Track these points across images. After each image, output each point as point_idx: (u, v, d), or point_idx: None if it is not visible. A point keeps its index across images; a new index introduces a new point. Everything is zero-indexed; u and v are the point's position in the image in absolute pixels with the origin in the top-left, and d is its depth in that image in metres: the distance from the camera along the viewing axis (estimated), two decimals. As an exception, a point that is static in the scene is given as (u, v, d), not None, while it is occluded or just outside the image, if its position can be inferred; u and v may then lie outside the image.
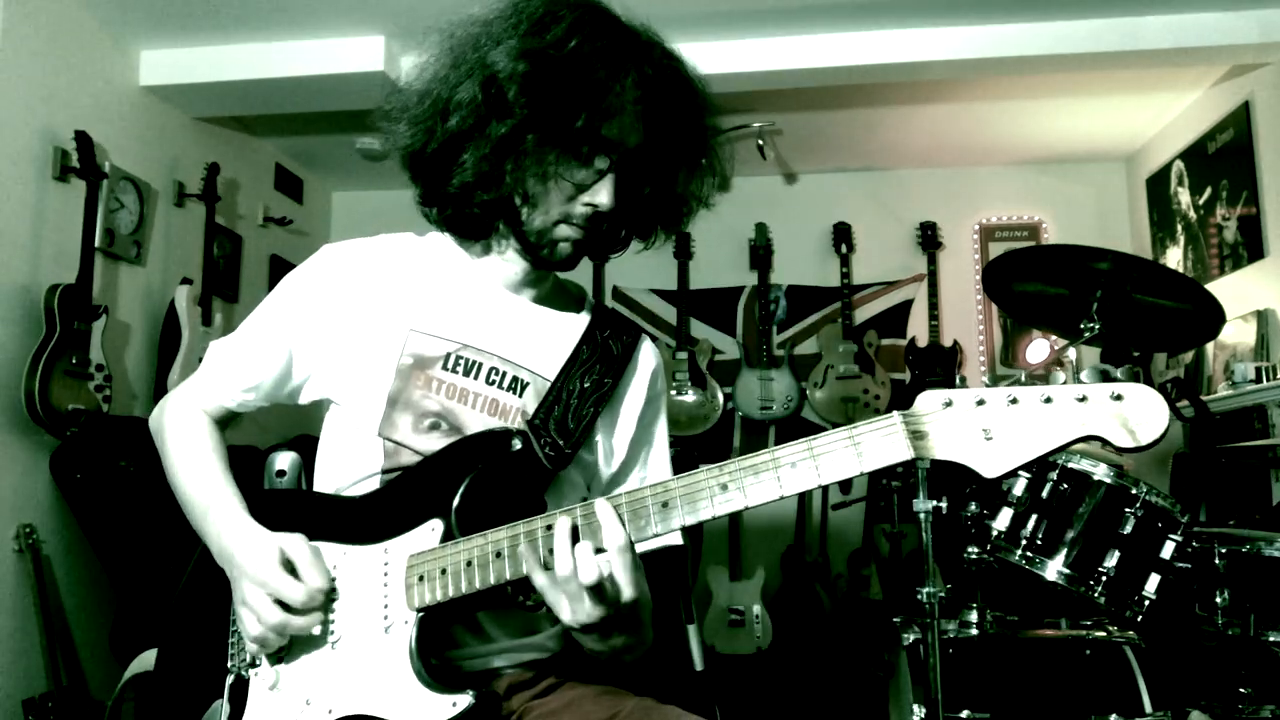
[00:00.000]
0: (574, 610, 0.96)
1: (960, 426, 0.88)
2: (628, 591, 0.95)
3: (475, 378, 1.18)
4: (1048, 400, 0.86)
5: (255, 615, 1.05)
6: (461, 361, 1.18)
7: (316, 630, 1.07)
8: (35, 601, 2.89)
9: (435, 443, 1.15)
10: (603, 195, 1.11)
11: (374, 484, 1.16)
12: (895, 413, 0.89)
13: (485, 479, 1.08)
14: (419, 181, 1.20)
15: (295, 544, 1.07)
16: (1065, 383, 0.98)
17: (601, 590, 0.94)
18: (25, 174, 3.01)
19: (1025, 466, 0.87)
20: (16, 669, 2.89)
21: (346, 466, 1.19)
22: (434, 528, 1.07)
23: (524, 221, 1.15)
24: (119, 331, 3.47)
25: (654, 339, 5.09)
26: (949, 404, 0.89)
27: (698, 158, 1.19)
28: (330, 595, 1.08)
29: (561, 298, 1.30)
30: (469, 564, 1.02)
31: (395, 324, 1.19)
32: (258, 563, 1.06)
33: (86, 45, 3.31)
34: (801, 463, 0.91)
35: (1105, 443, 0.85)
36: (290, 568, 1.06)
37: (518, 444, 1.09)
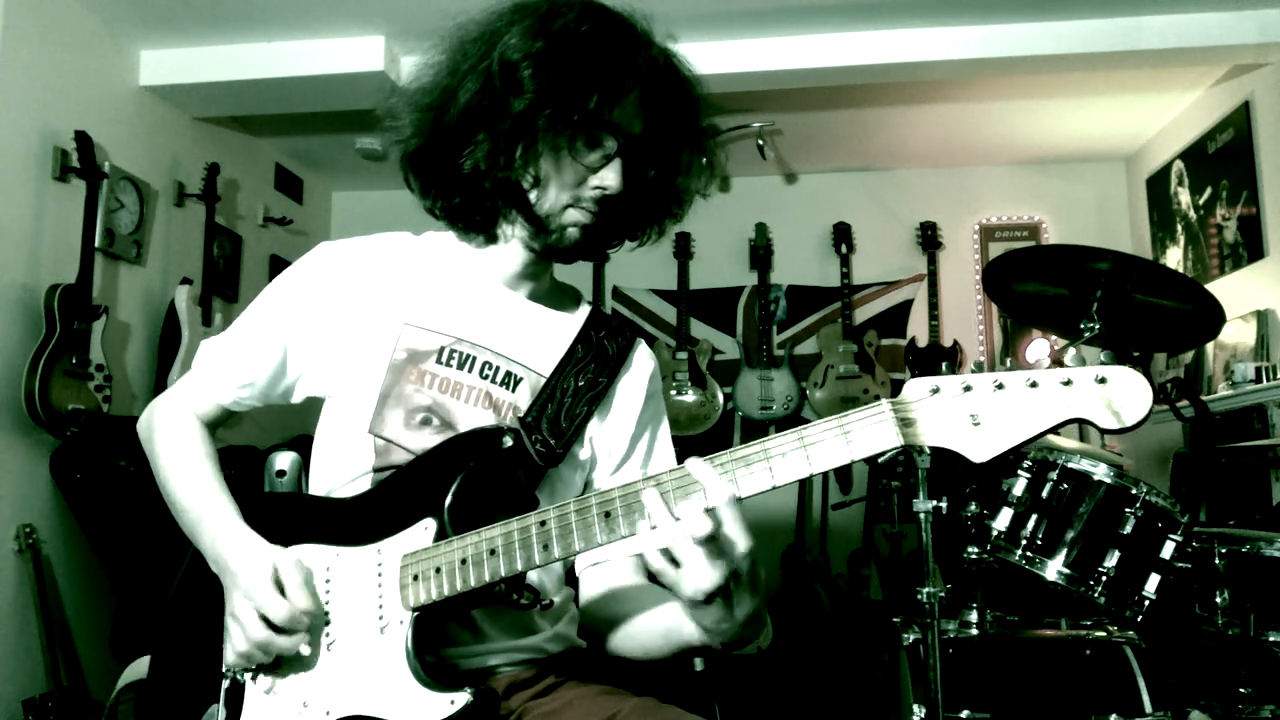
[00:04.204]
0: (694, 577, 0.91)
1: (948, 412, 0.89)
2: (743, 542, 0.91)
3: (469, 371, 1.18)
4: (1033, 384, 0.87)
5: (241, 630, 1.06)
6: (455, 355, 1.18)
7: (305, 651, 1.07)
8: (35, 601, 2.89)
9: (426, 439, 1.15)
10: (610, 177, 1.13)
11: (365, 483, 1.16)
12: (884, 400, 0.90)
13: (477, 477, 1.08)
14: (424, 173, 1.21)
15: (287, 564, 1.07)
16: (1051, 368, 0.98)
17: (717, 545, 0.90)
18: (25, 174, 3.01)
19: (1014, 449, 0.88)
20: (16, 669, 2.89)
21: (338, 465, 1.19)
22: (427, 527, 1.06)
23: (533, 205, 1.16)
24: (119, 331, 3.47)
25: (654, 339, 5.08)
26: (936, 391, 0.89)
27: (694, 149, 1.21)
28: (320, 617, 1.07)
29: (558, 297, 1.30)
30: (464, 562, 1.02)
31: (389, 319, 1.19)
32: (249, 576, 1.06)
33: (86, 45, 3.31)
34: (792, 452, 0.91)
35: (1091, 425, 0.86)
36: (281, 586, 1.06)
37: (509, 441, 1.09)
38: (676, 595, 0.95)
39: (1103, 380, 0.85)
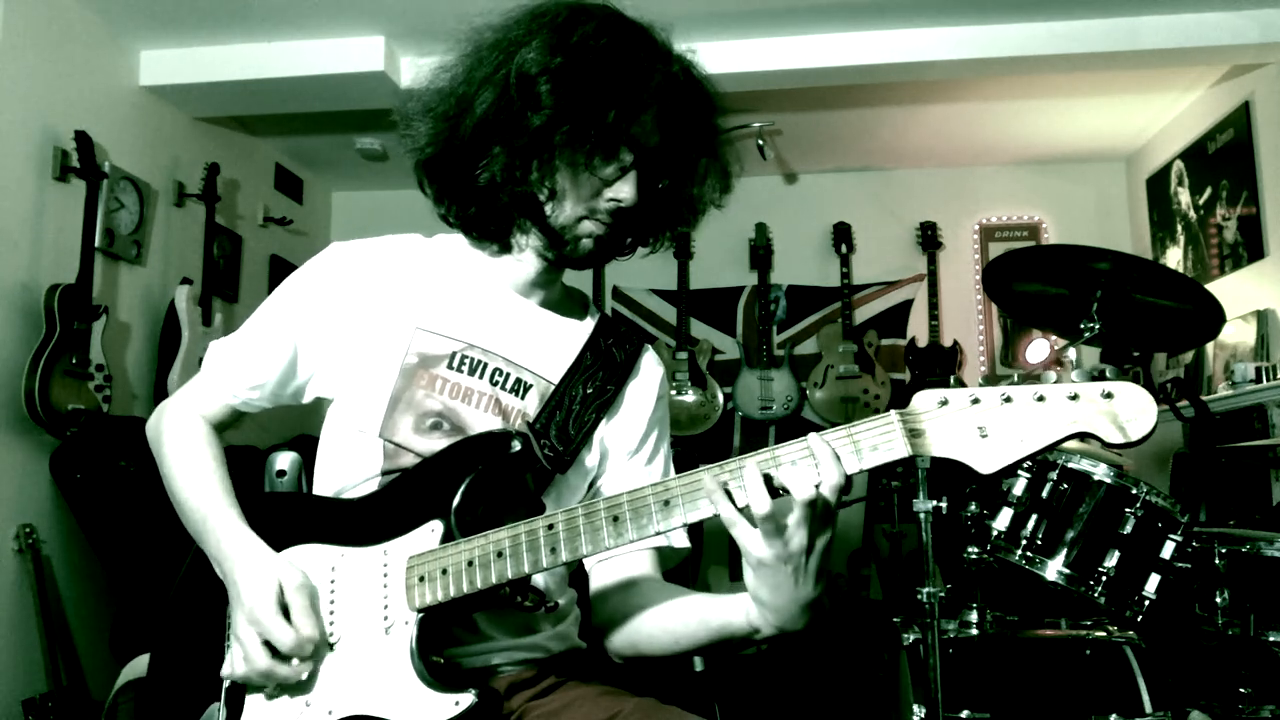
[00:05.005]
0: (769, 545, 0.91)
1: (956, 424, 0.90)
2: (798, 538, 0.91)
3: (480, 377, 1.19)
4: (1040, 399, 0.88)
5: (244, 653, 1.05)
6: (467, 361, 1.19)
7: (304, 676, 1.05)
8: (35, 601, 2.89)
9: (436, 443, 1.15)
10: (626, 190, 1.13)
11: (373, 486, 1.16)
12: (893, 411, 0.91)
13: (485, 480, 1.08)
14: (437, 180, 1.20)
15: (293, 586, 1.06)
16: (1058, 382, 1.00)
17: (775, 524, 0.90)
18: (25, 174, 3.01)
19: (1020, 462, 0.89)
20: (16, 669, 2.89)
21: (346, 467, 1.19)
22: (434, 529, 1.06)
23: (548, 216, 1.16)
24: (119, 331, 3.47)
25: (654, 339, 5.07)
26: (944, 403, 0.90)
27: (711, 160, 1.21)
28: (324, 641, 1.07)
29: (567, 303, 1.30)
30: (470, 564, 1.02)
31: (401, 323, 1.19)
32: (254, 597, 1.05)
33: (86, 45, 3.31)
34: (801, 460, 0.91)
35: (1097, 439, 0.87)
36: (285, 610, 1.05)
37: (517, 445, 1.09)
38: (744, 558, 0.95)
39: (1109, 395, 0.86)
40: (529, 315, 1.24)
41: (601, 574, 1.24)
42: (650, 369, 1.31)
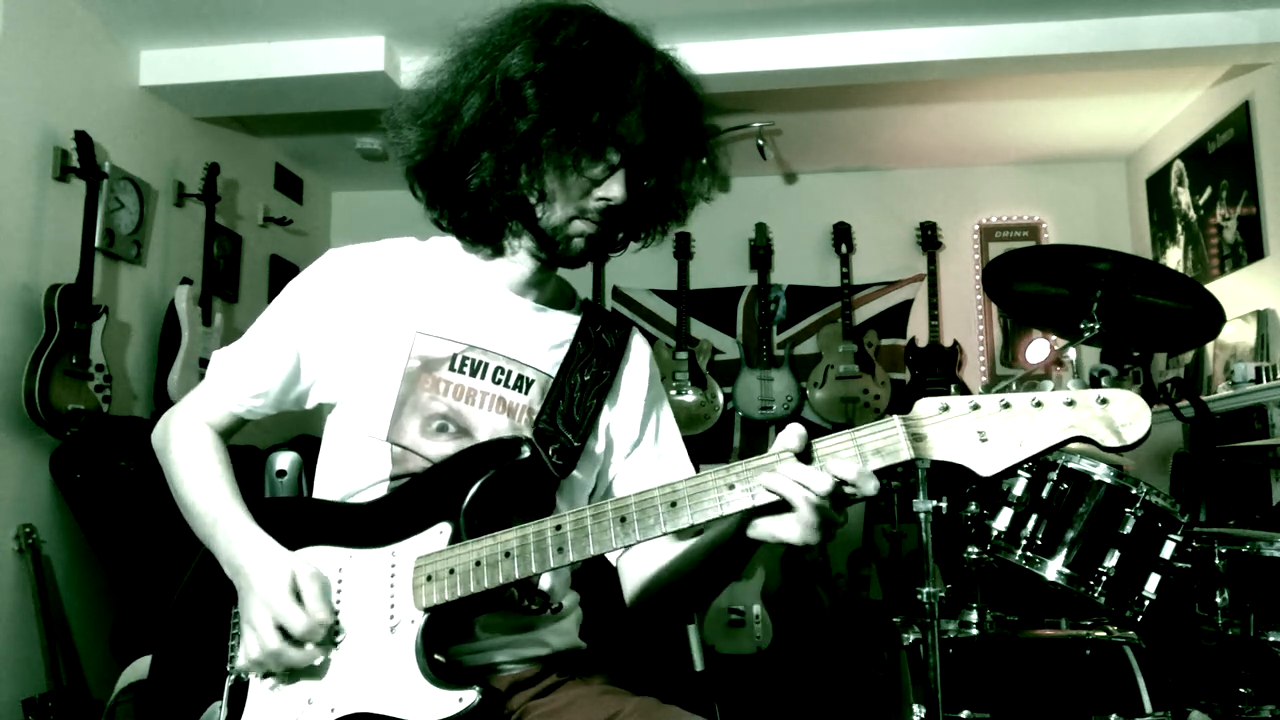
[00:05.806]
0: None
1: (956, 429, 0.93)
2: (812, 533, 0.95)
3: (482, 377, 1.20)
4: (1038, 404, 0.92)
5: (257, 638, 1.06)
6: (468, 362, 1.20)
7: (316, 662, 1.07)
8: (35, 601, 2.89)
9: (443, 445, 1.16)
10: (615, 189, 1.14)
11: (382, 490, 1.17)
12: (895, 416, 0.94)
13: (494, 484, 1.10)
14: (428, 186, 1.22)
15: (305, 573, 1.08)
16: (1055, 387, 1.03)
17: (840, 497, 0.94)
18: (25, 174, 3.01)
19: (1019, 465, 0.91)
20: (16, 669, 2.89)
21: (354, 472, 1.20)
22: (442, 530, 1.08)
23: (539, 219, 1.17)
24: (119, 331, 3.47)
25: (654, 339, 5.07)
26: (946, 408, 0.94)
27: (698, 155, 1.22)
28: (333, 630, 1.08)
29: (558, 297, 1.32)
30: (478, 564, 1.03)
31: (402, 327, 1.20)
32: (267, 584, 1.07)
33: (86, 45, 3.31)
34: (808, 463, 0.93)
35: (1093, 443, 0.90)
36: (298, 596, 1.07)
37: (527, 451, 1.11)
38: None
39: (1104, 401, 0.90)
40: (524, 313, 1.26)
41: (631, 564, 1.26)
42: (640, 349, 1.34)
